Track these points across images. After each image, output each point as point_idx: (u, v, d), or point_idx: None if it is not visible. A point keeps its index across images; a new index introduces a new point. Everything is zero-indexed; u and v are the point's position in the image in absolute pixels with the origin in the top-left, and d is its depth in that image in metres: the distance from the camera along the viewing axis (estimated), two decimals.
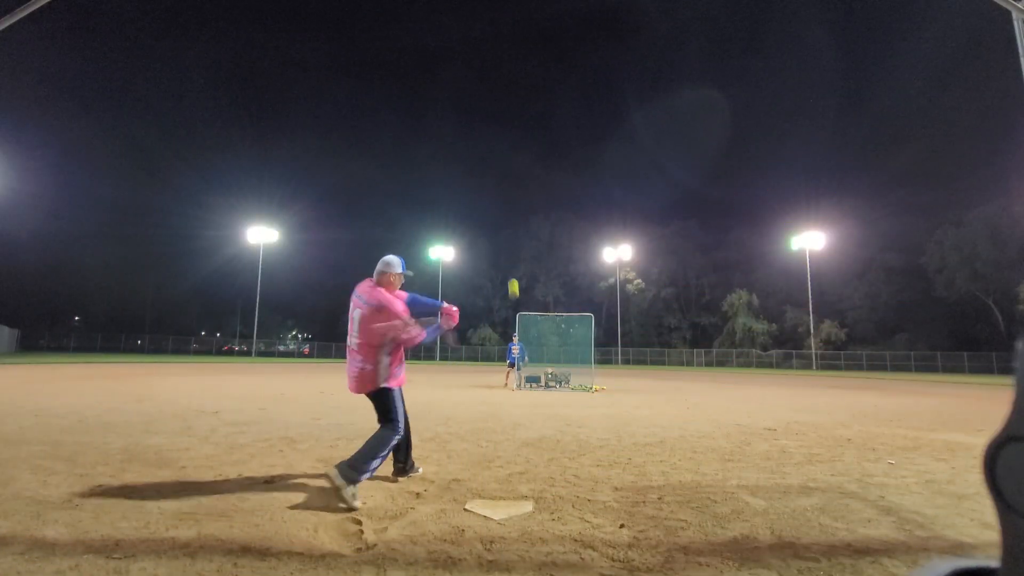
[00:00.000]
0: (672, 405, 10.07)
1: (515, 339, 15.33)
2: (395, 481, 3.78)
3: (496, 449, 5.06)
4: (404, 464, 3.90)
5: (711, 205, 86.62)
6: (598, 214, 72.01)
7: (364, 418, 7.14)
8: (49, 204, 55.07)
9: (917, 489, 3.81)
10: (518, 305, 46.38)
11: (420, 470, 4.04)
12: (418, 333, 3.67)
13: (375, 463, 3.34)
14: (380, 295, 3.62)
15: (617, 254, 59.71)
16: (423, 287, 63.39)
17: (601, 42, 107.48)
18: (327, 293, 69.94)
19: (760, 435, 6.26)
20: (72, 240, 59.11)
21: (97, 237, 60.63)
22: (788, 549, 2.58)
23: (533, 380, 14.20)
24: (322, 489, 3.48)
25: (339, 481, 3.13)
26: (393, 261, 3.83)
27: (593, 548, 2.55)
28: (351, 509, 3.09)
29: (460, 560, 2.38)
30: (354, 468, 3.21)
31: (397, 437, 3.53)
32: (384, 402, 3.60)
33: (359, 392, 3.59)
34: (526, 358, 15.34)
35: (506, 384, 14.82)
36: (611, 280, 61.52)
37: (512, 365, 15.01)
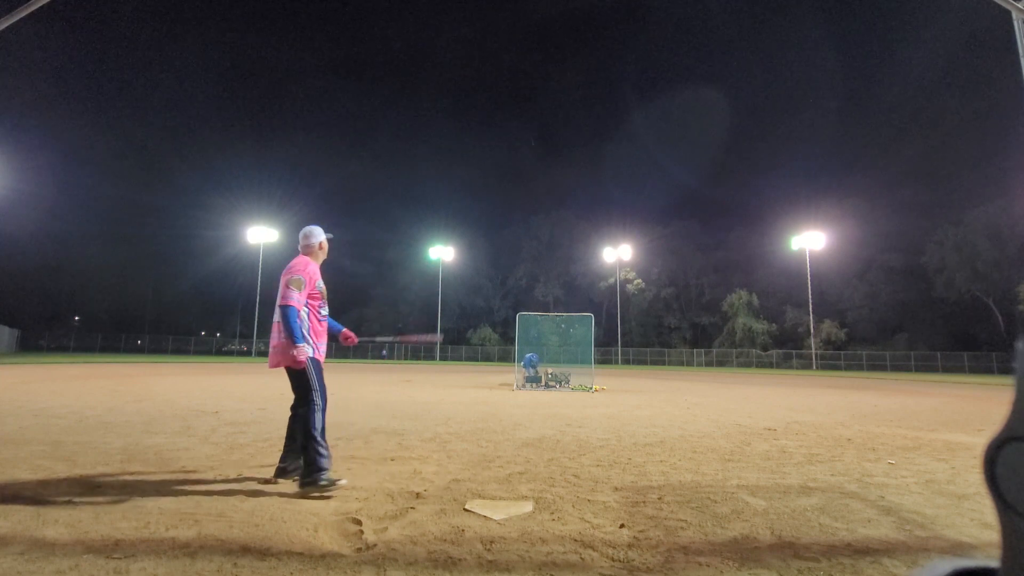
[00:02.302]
0: (672, 405, 10.06)
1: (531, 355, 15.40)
2: (274, 483, 3.59)
3: (496, 449, 5.06)
4: (289, 462, 3.69)
5: (711, 205, 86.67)
6: (598, 214, 71.99)
7: (363, 418, 7.13)
8: (49, 204, 55.12)
9: (917, 489, 3.81)
10: (518, 305, 46.35)
11: (342, 482, 3.64)
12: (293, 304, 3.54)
13: (320, 448, 3.40)
14: (293, 265, 3.69)
15: (617, 254, 59.70)
16: (423, 287, 63.54)
17: (601, 42, 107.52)
18: (327, 293, 69.85)
19: (760, 435, 6.26)
20: (72, 240, 59.19)
21: (97, 237, 60.74)
22: (788, 549, 2.58)
23: (533, 380, 14.20)
24: None
25: (310, 491, 3.30)
26: (315, 230, 3.92)
27: (593, 548, 2.55)
28: (334, 485, 3.34)
29: (460, 560, 2.38)
30: (310, 474, 3.34)
31: (318, 412, 3.53)
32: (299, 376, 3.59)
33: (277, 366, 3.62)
34: (536, 364, 15.35)
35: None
36: (611, 280, 61.51)
37: (527, 367, 15.00)
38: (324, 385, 3.68)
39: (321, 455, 3.39)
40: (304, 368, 3.53)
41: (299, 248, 3.88)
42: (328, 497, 3.28)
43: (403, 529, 2.76)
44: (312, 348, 3.63)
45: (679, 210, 78.23)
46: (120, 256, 61.17)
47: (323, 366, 3.78)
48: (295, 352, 3.46)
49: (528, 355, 15.23)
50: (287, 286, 3.56)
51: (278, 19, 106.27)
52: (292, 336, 3.47)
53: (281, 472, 3.67)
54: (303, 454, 3.44)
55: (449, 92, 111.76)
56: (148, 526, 2.69)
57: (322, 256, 3.97)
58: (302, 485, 3.34)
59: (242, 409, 7.83)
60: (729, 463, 4.60)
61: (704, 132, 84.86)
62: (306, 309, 3.63)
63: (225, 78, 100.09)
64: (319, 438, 3.44)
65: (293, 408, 3.74)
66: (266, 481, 3.65)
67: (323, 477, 3.34)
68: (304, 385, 3.57)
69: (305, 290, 3.61)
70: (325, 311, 3.86)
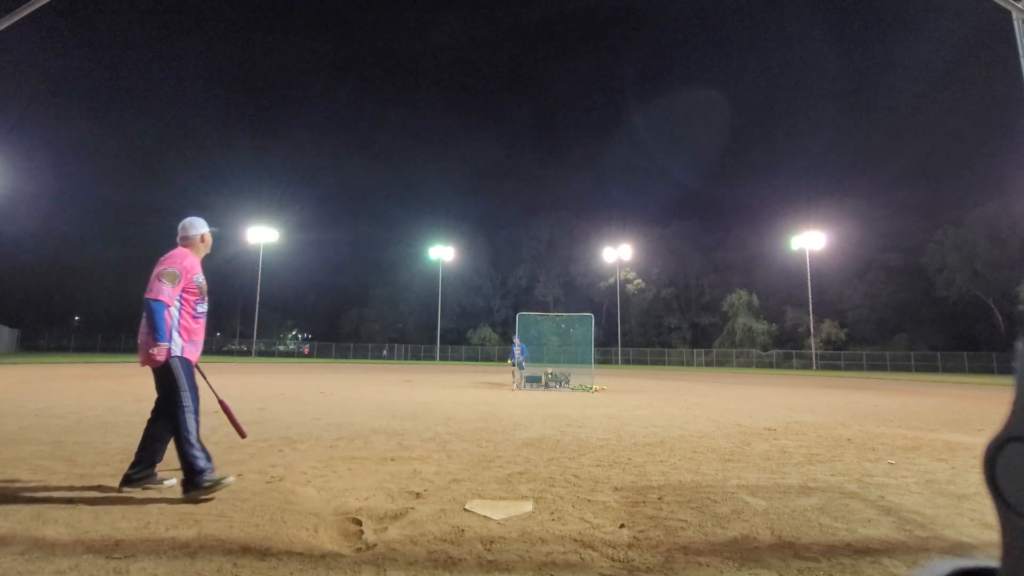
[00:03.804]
0: (672, 405, 10.07)
1: (516, 340, 15.57)
2: (118, 491, 3.28)
3: (496, 449, 5.06)
4: (136, 470, 3.33)
5: (711, 205, 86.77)
6: (598, 214, 72.07)
7: (364, 418, 7.14)
8: (49, 204, 55.04)
9: (917, 489, 3.81)
10: (518, 305, 46.36)
11: (170, 481, 3.43)
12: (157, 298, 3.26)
13: (195, 451, 3.18)
14: (168, 256, 3.46)
15: (617, 254, 59.69)
16: (423, 287, 63.50)
17: (601, 42, 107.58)
18: (327, 293, 69.98)
19: (760, 435, 6.26)
20: (72, 240, 59.07)
21: (97, 237, 60.57)
22: (788, 549, 2.58)
23: (533, 380, 14.20)
24: (321, 489, 3.48)
25: (196, 495, 3.13)
26: (195, 222, 3.68)
27: (593, 548, 2.55)
28: (219, 484, 3.19)
29: (460, 560, 2.38)
30: (191, 479, 3.15)
31: (188, 414, 3.26)
32: (162, 376, 3.32)
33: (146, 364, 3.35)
34: (525, 358, 15.46)
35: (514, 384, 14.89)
36: (611, 280, 61.51)
37: (516, 365, 15.21)
38: (195, 385, 3.40)
39: (197, 457, 3.19)
40: (169, 366, 3.27)
41: (177, 240, 3.63)
42: (211, 499, 3.13)
43: (403, 529, 2.76)
44: (181, 347, 3.36)
45: (679, 210, 78.39)
46: (120, 256, 61.08)
47: (195, 368, 3.51)
48: (155, 351, 3.21)
49: (515, 347, 15.41)
50: (158, 278, 3.30)
51: (278, 19, 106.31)
52: (155, 332, 3.22)
53: (127, 480, 3.31)
54: (180, 460, 3.19)
55: (449, 92, 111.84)
56: (148, 526, 2.69)
57: (204, 250, 3.71)
58: (186, 492, 3.14)
59: (242, 409, 7.83)
60: (729, 463, 4.60)
61: (704, 132, 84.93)
62: (178, 304, 3.39)
63: (225, 77, 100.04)
64: (193, 441, 3.21)
65: (155, 412, 3.44)
66: (267, 481, 3.65)
67: (205, 479, 3.15)
68: (170, 384, 3.28)
69: (179, 284, 3.36)
70: (203, 308, 3.56)
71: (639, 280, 62.29)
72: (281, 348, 71.34)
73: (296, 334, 79.09)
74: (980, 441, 6.09)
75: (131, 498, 3.17)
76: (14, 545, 2.40)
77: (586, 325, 16.66)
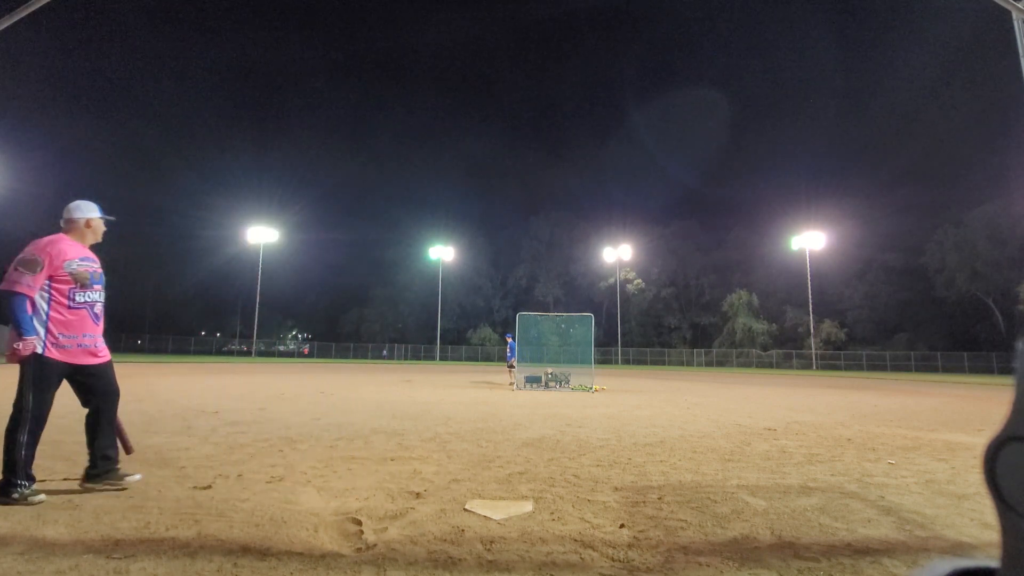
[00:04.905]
0: (672, 405, 10.07)
1: (509, 339, 15.66)
2: (88, 490, 3.23)
3: (496, 449, 5.06)
4: (95, 467, 3.27)
5: (711, 205, 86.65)
6: (598, 214, 72.11)
7: (364, 418, 7.13)
8: (49, 204, 55.02)
9: (917, 489, 3.81)
10: (518, 305, 46.36)
11: (134, 477, 3.37)
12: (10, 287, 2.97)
13: (21, 459, 2.99)
14: (35, 242, 3.14)
15: (617, 254, 59.72)
16: (423, 287, 63.51)
17: (601, 42, 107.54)
18: (327, 293, 70.01)
19: (760, 435, 6.26)
20: None
21: None
22: (788, 549, 2.58)
23: (533, 380, 14.21)
24: (321, 489, 3.48)
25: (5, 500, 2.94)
26: (81, 205, 3.35)
27: (593, 548, 2.55)
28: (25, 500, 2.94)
29: (460, 560, 2.38)
30: (6, 483, 2.97)
31: (23, 426, 2.99)
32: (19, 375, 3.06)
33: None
34: (515, 356, 15.57)
35: (511, 383, 14.90)
36: (611, 280, 61.52)
37: (511, 366, 15.32)
38: (47, 399, 3.07)
39: (18, 465, 2.97)
40: (23, 365, 3.01)
41: (61, 223, 3.31)
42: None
43: (403, 529, 2.76)
44: (44, 343, 3.05)
45: (679, 210, 78.26)
46: (120, 256, 61.12)
47: (91, 371, 3.24)
48: (20, 345, 2.94)
49: (510, 344, 15.63)
50: (15, 267, 2.98)
51: (278, 19, 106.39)
52: (17, 327, 2.94)
53: (88, 477, 3.29)
54: (4, 458, 3.00)
55: (449, 91, 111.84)
56: (148, 526, 2.69)
57: (91, 237, 3.39)
58: None
59: (242, 409, 7.83)
60: (729, 463, 4.60)
61: (704, 132, 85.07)
62: (46, 295, 3.08)
63: (225, 77, 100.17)
64: (23, 449, 2.98)
65: (89, 414, 3.32)
66: (267, 481, 3.65)
67: (15, 492, 2.94)
68: (20, 383, 3.02)
69: (42, 272, 3.03)
70: (87, 297, 3.22)
71: (639, 280, 62.30)
72: (281, 348, 71.34)
73: (296, 334, 79.11)
74: (980, 441, 6.09)
75: (131, 498, 3.17)
76: (14, 545, 2.40)
77: (586, 325, 16.66)
